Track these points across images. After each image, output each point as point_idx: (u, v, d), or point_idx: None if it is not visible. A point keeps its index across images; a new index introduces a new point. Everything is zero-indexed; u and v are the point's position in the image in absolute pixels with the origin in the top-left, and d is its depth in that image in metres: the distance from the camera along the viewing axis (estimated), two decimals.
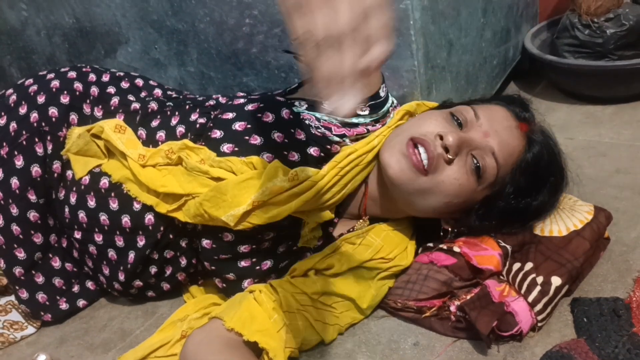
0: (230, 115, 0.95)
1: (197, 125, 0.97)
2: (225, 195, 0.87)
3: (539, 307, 0.85)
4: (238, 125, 0.93)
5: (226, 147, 0.92)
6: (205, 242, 0.93)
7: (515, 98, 0.99)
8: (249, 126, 0.93)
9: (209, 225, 0.91)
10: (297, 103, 0.99)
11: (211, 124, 0.96)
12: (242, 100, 1.00)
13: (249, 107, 0.96)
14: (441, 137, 0.86)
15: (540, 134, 0.93)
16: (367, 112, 0.98)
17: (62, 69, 1.08)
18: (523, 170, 0.90)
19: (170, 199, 0.93)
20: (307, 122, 0.95)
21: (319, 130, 0.94)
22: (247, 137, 0.92)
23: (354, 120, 0.97)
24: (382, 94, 1.00)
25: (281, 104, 0.96)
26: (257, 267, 0.95)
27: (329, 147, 0.94)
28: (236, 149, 0.91)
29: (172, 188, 0.92)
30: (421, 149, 0.87)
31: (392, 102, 1.03)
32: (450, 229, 0.96)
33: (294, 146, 0.92)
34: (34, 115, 1.01)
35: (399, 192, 0.90)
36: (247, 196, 0.87)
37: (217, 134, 0.94)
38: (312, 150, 0.93)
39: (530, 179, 0.90)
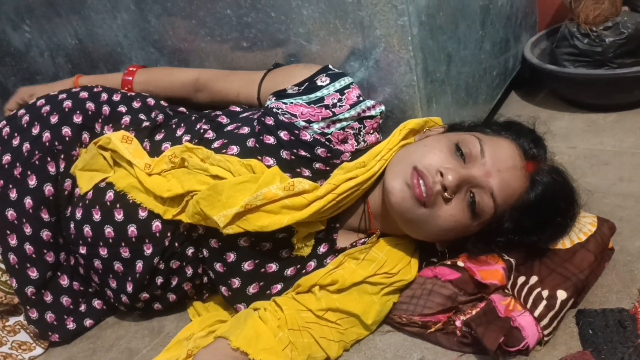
0: (225, 120, 1.04)
1: (201, 131, 1.02)
2: (221, 195, 0.89)
3: (545, 321, 0.85)
4: (230, 127, 1.00)
5: (217, 143, 0.97)
6: (212, 242, 0.95)
7: (528, 131, 0.97)
8: (239, 124, 1.00)
9: (210, 228, 0.93)
10: (267, 99, 1.05)
11: (209, 128, 1.01)
12: (238, 109, 1.08)
13: (245, 114, 1.04)
14: (442, 174, 0.86)
15: (548, 174, 0.91)
16: (327, 82, 1.02)
17: (74, 89, 1.11)
18: (523, 211, 0.89)
19: (175, 203, 0.95)
20: (274, 109, 0.99)
21: (285, 116, 0.98)
22: (235, 131, 0.98)
23: (318, 93, 1.01)
24: (334, 69, 1.05)
25: (264, 98, 1.07)
26: (262, 270, 0.96)
27: (297, 132, 0.97)
28: (225, 141, 0.97)
29: (175, 190, 0.94)
30: (421, 182, 0.87)
31: (381, 110, 1.04)
32: (445, 251, 0.96)
33: (267, 131, 0.97)
34: (46, 135, 1.03)
35: (397, 217, 0.92)
36: (241, 198, 0.89)
37: (210, 134, 1.01)
38: (283, 134, 0.97)
39: (532, 218, 0.90)
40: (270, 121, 0.98)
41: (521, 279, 0.91)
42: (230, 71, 1.18)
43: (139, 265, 0.98)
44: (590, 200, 1.05)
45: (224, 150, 0.96)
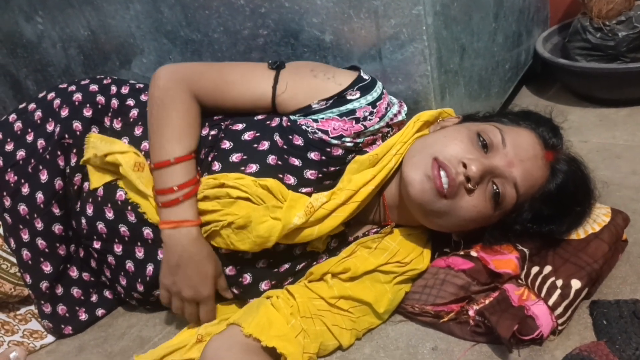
0: (240, 126, 0.97)
1: (210, 138, 0.98)
2: (250, 234, 0.89)
3: (559, 310, 0.85)
4: (247, 135, 0.96)
5: (235, 157, 0.94)
6: (223, 250, 0.94)
7: (546, 120, 0.97)
8: (257, 134, 0.95)
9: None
10: (290, 113, 0.98)
11: (222, 135, 0.97)
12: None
13: (259, 116, 0.99)
14: (465, 165, 0.86)
15: (567, 162, 0.92)
16: (357, 95, 0.94)
17: (83, 82, 1.09)
18: (544, 200, 0.89)
19: None
20: (304, 127, 0.94)
21: (316, 135, 0.94)
22: (255, 145, 0.94)
23: (349, 106, 0.93)
24: (365, 77, 0.96)
25: (284, 113, 0.97)
26: (275, 269, 0.96)
27: (329, 150, 0.94)
28: (245, 157, 0.93)
29: None
30: (442, 173, 0.86)
31: (405, 111, 1.02)
32: (461, 241, 0.95)
33: (293, 152, 0.93)
34: (57, 129, 1.02)
35: (416, 209, 0.91)
36: (269, 233, 0.90)
37: (227, 144, 0.96)
38: (313, 155, 0.93)
39: (552, 208, 0.90)
40: (298, 141, 0.93)
41: (535, 269, 0.91)
42: (227, 83, 0.99)
43: (150, 268, 0.98)
44: (603, 193, 1.04)
45: (242, 167, 0.93)
